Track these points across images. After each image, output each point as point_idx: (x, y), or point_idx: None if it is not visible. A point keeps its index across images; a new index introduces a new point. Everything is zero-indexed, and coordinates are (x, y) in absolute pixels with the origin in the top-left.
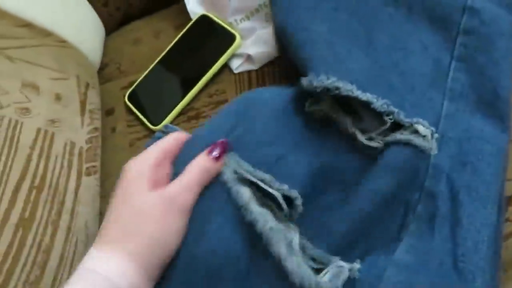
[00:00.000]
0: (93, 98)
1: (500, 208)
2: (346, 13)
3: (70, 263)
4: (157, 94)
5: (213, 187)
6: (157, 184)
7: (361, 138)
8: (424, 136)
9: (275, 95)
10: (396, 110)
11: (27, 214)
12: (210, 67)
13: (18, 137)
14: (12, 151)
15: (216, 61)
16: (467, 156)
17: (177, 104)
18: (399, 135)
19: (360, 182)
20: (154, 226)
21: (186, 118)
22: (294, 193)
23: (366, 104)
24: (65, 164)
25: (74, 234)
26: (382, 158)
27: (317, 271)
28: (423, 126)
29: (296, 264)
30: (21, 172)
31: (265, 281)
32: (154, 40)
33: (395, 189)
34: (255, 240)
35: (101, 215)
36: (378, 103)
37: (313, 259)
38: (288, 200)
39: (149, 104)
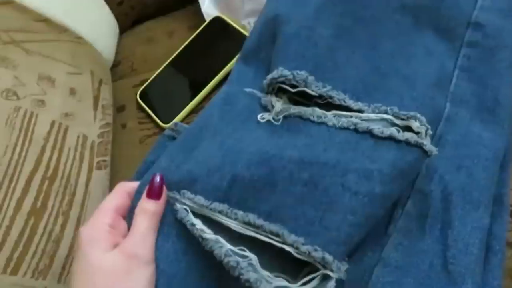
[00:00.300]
0: (106, 94)
1: (493, 213)
2: (352, 19)
3: None
4: (169, 93)
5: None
6: (115, 244)
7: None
8: (417, 133)
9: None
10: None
11: (39, 203)
12: (222, 68)
13: (33, 129)
14: (27, 142)
15: (228, 62)
16: (463, 159)
17: (188, 104)
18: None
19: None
20: (123, 286)
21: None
22: (252, 218)
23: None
24: (77, 156)
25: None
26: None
27: (298, 268)
28: (420, 122)
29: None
30: (34, 162)
31: None
32: (167, 40)
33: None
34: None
35: None
36: (369, 109)
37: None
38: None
39: (160, 103)
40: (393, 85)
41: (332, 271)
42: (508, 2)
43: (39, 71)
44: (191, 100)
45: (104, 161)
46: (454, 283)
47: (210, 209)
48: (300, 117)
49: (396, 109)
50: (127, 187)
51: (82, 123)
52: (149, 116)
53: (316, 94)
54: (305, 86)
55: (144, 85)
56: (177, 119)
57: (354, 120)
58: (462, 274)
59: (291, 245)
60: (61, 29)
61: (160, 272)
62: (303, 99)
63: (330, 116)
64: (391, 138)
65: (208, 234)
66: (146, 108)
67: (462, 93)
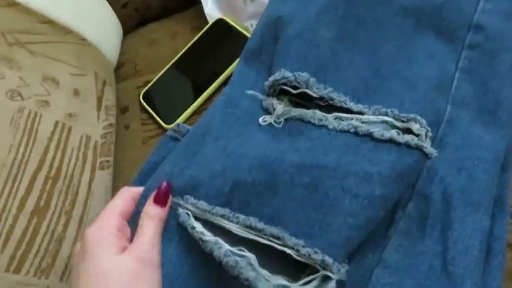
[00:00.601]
0: (109, 95)
1: (494, 214)
2: (354, 21)
3: None
4: (171, 95)
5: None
6: (123, 248)
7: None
8: (418, 135)
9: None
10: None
11: (42, 203)
12: (224, 69)
13: (37, 129)
14: (31, 142)
15: (231, 64)
16: (464, 161)
17: (191, 105)
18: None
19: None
20: None
21: (200, 118)
22: (253, 221)
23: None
24: (80, 156)
25: (85, 225)
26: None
27: (300, 270)
28: (420, 124)
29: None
30: (38, 162)
31: None
32: (170, 41)
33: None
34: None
35: None
36: (370, 112)
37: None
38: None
39: (163, 104)
40: (394, 88)
41: (332, 272)
42: (510, 4)
43: (43, 72)
44: (193, 102)
45: (107, 161)
46: (453, 285)
47: (212, 214)
48: (301, 119)
49: (396, 111)
50: (132, 192)
51: (86, 124)
52: (152, 117)
53: (317, 96)
54: (307, 88)
55: (147, 86)
56: (179, 120)
57: (354, 123)
58: (461, 275)
59: (292, 248)
60: (66, 31)
61: (164, 276)
62: (304, 100)
63: (330, 119)
64: (391, 141)
65: (208, 236)
66: (149, 109)
67: (463, 95)
